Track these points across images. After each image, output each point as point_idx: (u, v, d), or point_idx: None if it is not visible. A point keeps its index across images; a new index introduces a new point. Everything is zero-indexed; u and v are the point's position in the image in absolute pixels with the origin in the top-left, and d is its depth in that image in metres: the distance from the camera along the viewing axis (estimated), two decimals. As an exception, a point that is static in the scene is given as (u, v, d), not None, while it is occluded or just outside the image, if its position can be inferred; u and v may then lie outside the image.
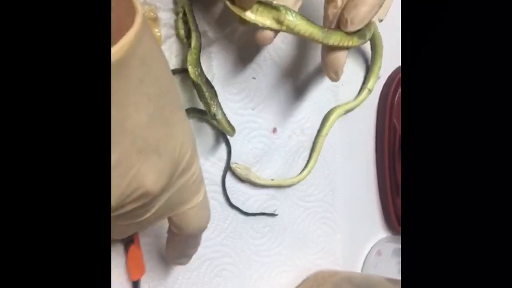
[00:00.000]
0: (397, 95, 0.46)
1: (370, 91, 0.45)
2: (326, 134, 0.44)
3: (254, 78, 0.42)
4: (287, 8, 0.32)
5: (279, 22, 0.32)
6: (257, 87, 0.42)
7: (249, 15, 0.32)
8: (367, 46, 0.47)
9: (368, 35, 0.35)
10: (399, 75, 0.46)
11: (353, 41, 0.34)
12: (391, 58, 0.48)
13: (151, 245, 0.38)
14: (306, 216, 0.45)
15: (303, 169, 0.44)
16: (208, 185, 0.40)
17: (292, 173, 0.44)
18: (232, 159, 0.41)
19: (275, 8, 0.32)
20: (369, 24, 0.34)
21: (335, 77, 0.35)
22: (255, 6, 0.32)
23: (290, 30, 0.33)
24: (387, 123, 0.45)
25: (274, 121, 0.43)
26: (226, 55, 0.40)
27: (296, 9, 0.34)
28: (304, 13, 0.33)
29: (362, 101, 0.46)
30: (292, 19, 0.32)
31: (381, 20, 0.46)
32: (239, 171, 0.41)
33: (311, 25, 0.32)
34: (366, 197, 0.49)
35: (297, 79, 0.44)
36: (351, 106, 0.46)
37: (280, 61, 0.42)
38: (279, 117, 0.43)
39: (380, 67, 0.45)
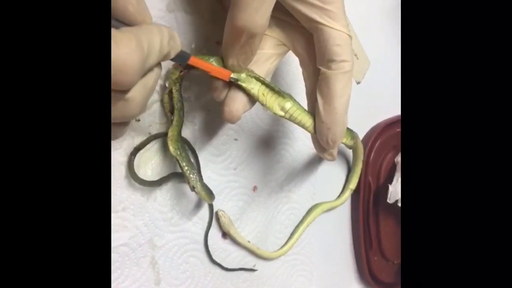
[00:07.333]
0: (372, 154, 0.48)
1: (352, 190, 0.48)
2: (308, 225, 0.45)
3: (236, 139, 0.43)
4: (290, 96, 0.34)
5: (283, 109, 0.34)
6: (238, 148, 0.43)
7: (261, 99, 0.33)
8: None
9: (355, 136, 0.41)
10: (374, 134, 0.48)
11: (347, 140, 0.40)
12: (366, 118, 0.50)
13: None
14: (284, 270, 0.47)
15: (282, 246, 0.46)
16: (190, 243, 0.41)
17: (272, 230, 0.46)
18: (214, 218, 0.42)
19: (281, 95, 0.33)
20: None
21: (331, 158, 0.36)
22: (263, 89, 0.33)
23: (293, 119, 0.34)
24: (362, 181, 0.47)
25: (254, 179, 0.44)
26: (209, 119, 0.41)
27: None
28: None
29: (345, 200, 0.48)
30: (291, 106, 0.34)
31: (358, 82, 0.48)
32: (223, 219, 0.42)
33: (310, 117, 0.35)
34: (341, 250, 0.51)
35: (278, 138, 0.46)
36: (336, 204, 0.48)
37: (261, 122, 0.44)
38: (259, 175, 0.45)
39: (361, 168, 0.47)
